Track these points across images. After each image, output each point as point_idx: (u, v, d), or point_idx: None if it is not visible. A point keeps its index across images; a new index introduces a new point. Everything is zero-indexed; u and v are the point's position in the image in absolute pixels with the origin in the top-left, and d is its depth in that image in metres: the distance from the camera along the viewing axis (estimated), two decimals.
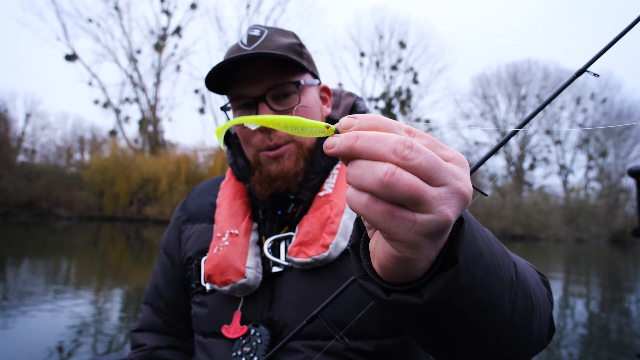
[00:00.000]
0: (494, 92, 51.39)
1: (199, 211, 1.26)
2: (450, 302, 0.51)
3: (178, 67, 42.93)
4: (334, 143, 0.44)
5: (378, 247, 0.49)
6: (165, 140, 40.47)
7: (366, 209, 0.43)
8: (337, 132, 0.46)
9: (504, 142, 0.82)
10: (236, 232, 1.11)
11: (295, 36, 1.15)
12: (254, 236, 1.12)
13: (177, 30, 42.64)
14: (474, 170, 0.78)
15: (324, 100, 1.19)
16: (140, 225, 26.95)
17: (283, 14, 45.73)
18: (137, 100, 41.20)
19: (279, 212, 1.11)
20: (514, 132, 0.81)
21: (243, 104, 1.09)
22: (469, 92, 53.08)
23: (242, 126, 1.10)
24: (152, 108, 41.12)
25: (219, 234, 1.13)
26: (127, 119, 41.08)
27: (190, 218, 1.27)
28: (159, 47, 42.03)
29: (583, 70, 0.80)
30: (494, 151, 0.81)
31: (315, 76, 1.15)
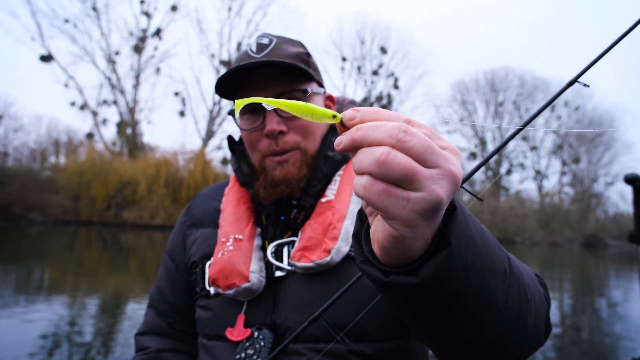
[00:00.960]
0: (473, 98, 52.52)
1: (204, 216, 1.29)
2: (443, 283, 0.53)
3: (158, 70, 42.33)
4: (341, 140, 0.49)
5: (377, 229, 0.53)
6: (144, 143, 39.78)
7: (365, 189, 0.47)
8: (342, 121, 0.51)
9: (506, 142, 0.84)
10: (240, 237, 1.13)
11: (302, 45, 1.19)
12: (257, 241, 1.15)
13: (157, 32, 42.08)
14: (477, 169, 0.79)
15: (328, 108, 1.21)
16: (117, 230, 26.36)
17: (265, 18, 45.64)
18: (115, 102, 40.41)
19: (282, 218, 1.14)
20: (517, 132, 0.82)
21: (250, 109, 1.12)
22: (448, 98, 54.14)
23: (249, 133, 1.13)
24: (131, 110, 40.39)
25: (223, 239, 1.15)
26: (104, 121, 40.23)
27: (194, 223, 1.29)
28: (138, 49, 41.37)
29: (574, 80, 0.83)
30: (497, 151, 0.83)
31: (321, 85, 1.19)
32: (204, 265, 1.19)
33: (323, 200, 1.12)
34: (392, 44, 49.45)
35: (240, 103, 0.56)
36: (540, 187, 51.18)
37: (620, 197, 52.48)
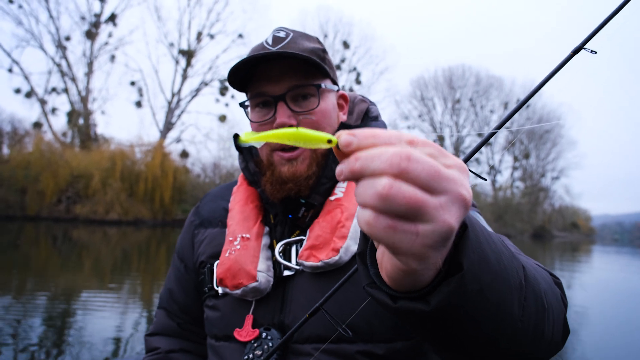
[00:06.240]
0: (432, 94, 54.03)
1: (212, 216, 1.27)
2: (457, 307, 0.51)
3: (112, 57, 40.42)
4: (341, 171, 0.45)
5: (385, 259, 0.50)
6: (97, 134, 37.97)
7: (369, 225, 0.43)
8: (338, 146, 0.47)
9: (508, 119, 0.85)
10: (248, 236, 1.12)
11: (319, 42, 1.17)
12: (265, 240, 1.13)
13: (112, 18, 40.11)
14: (471, 155, 0.80)
15: (340, 107, 1.21)
16: (69, 225, 25.05)
17: (226, 7, 44.65)
18: (65, 90, 38.24)
19: (290, 216, 1.12)
20: (520, 106, 0.84)
21: (262, 101, 1.10)
22: (408, 94, 55.34)
23: (258, 125, 1.10)
24: (83, 100, 38.36)
25: (230, 238, 1.13)
26: (54, 110, 38.00)
27: (203, 222, 1.28)
28: (91, 35, 39.28)
29: (580, 47, 0.81)
30: (501, 125, 0.85)
31: (335, 82, 1.17)
32: (212, 265, 1.17)
33: (332, 198, 1.10)
34: (355, 39, 49.83)
35: (245, 140, 0.56)
36: (493, 182, 53.56)
37: (565, 191, 56.01)
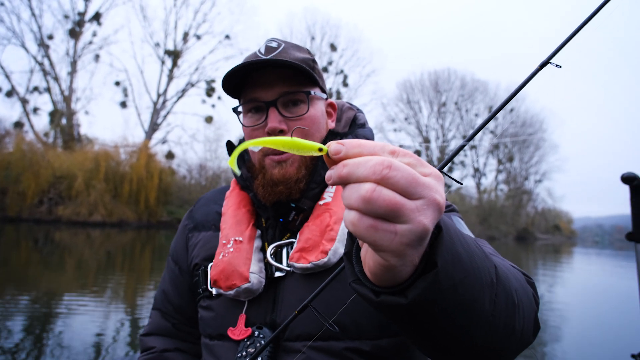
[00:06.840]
0: (418, 98, 54.60)
1: (205, 219, 1.32)
2: (432, 302, 0.56)
3: (97, 57, 39.84)
4: (330, 176, 0.52)
5: (368, 256, 0.56)
6: (81, 134, 37.34)
7: (353, 225, 0.49)
8: (328, 154, 0.52)
9: (476, 133, 0.90)
10: (240, 239, 1.16)
11: (309, 52, 1.23)
12: (257, 243, 1.18)
13: (96, 17, 39.55)
14: (445, 163, 0.84)
15: (329, 114, 1.26)
16: (51, 227, 24.56)
17: (213, 8, 44.47)
18: (48, 90, 37.54)
19: (281, 220, 1.17)
20: (488, 121, 0.89)
21: (254, 107, 1.15)
22: (394, 97, 55.80)
23: (251, 130, 1.16)
24: (66, 99, 37.70)
25: (224, 241, 1.18)
26: (35, 110, 37.26)
27: (197, 226, 1.32)
28: (74, 34, 38.66)
29: (546, 61, 0.87)
30: (469, 139, 0.88)
31: (324, 91, 1.22)
32: (206, 267, 1.21)
33: (321, 202, 1.15)
34: (342, 42, 50.17)
35: (232, 161, 0.58)
36: (478, 184, 54.32)
37: (547, 194, 57.07)
